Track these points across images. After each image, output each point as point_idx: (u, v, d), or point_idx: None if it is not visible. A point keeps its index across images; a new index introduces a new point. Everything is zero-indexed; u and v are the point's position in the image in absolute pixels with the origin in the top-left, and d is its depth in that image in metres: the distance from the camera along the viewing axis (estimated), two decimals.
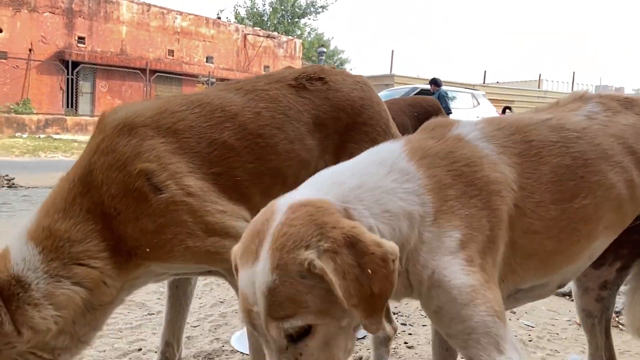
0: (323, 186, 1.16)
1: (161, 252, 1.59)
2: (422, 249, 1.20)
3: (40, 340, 1.46)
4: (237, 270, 1.12)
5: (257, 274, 1.01)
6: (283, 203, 1.10)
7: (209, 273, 1.83)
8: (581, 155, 1.45)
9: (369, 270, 0.97)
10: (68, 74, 21.66)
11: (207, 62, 27.25)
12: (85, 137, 18.45)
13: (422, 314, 2.81)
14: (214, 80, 26.59)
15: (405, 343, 2.58)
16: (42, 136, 17.89)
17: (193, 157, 1.67)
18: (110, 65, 22.82)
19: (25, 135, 17.65)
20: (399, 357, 2.43)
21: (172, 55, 25.58)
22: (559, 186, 1.40)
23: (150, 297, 3.18)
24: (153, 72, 23.70)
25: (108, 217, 1.54)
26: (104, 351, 2.42)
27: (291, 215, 1.05)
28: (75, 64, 21.67)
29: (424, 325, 2.79)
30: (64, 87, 21.98)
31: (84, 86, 22.69)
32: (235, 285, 1.32)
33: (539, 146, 1.43)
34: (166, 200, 1.56)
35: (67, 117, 20.20)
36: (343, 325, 1.07)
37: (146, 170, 1.56)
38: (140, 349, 2.46)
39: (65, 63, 21.72)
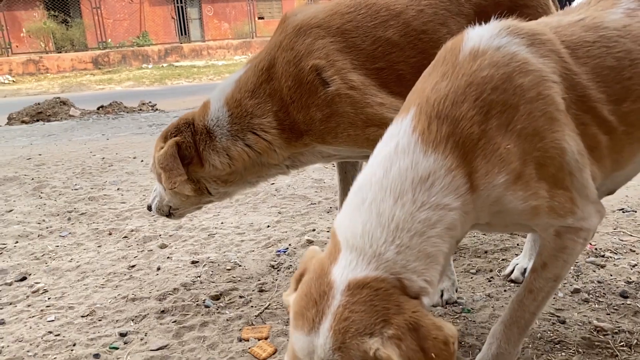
0: (367, 255, 1.10)
1: (327, 137, 1.87)
2: (481, 209, 1.21)
3: (216, 174, 1.97)
4: (292, 319, 1.14)
5: (316, 347, 1.04)
6: (340, 280, 1.08)
7: None
8: (626, 56, 1.33)
9: (432, 355, 1.00)
10: (177, 2, 22.52)
11: None
12: (201, 62, 19.51)
13: None
14: None
15: None
16: (164, 65, 19.23)
17: (358, 55, 1.86)
18: None
19: (150, 66, 19.09)
20: None
21: None
22: (602, 89, 1.30)
23: (309, 190, 3.57)
24: None
25: (284, 103, 1.86)
26: (286, 232, 2.86)
27: (351, 299, 1.04)
28: None
29: None
30: (175, 16, 22.99)
31: (192, 12, 23.54)
32: None
33: (574, 47, 1.32)
34: (332, 93, 1.80)
35: (183, 45, 21.30)
36: None
37: (317, 66, 1.81)
38: (314, 229, 2.86)
39: None
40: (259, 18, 24.32)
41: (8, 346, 1.91)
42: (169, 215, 2.16)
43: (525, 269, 2.14)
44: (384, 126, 1.85)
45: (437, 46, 1.91)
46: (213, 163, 1.94)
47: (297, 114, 1.85)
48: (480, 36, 1.28)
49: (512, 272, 2.17)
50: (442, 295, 2.01)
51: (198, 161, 1.94)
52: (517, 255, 2.32)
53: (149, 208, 2.18)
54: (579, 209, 1.26)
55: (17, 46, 20.70)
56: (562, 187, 1.24)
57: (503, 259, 2.36)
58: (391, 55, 1.84)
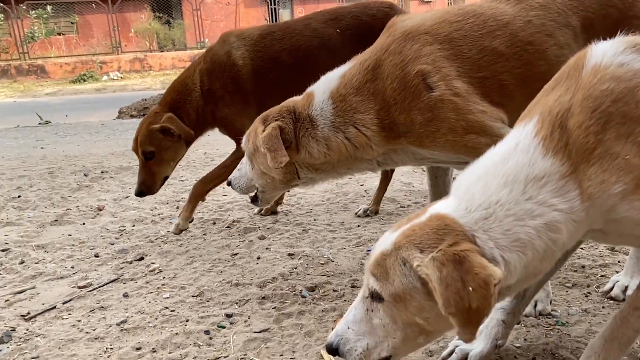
0: (460, 204, 1.26)
1: (425, 140, 1.93)
2: (595, 217, 1.25)
3: (310, 162, 2.08)
4: None
5: (386, 237, 1.29)
6: (432, 209, 1.29)
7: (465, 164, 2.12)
8: None
9: (470, 288, 1.11)
10: (270, 4, 23.34)
11: None
12: None
13: None
14: None
15: None
16: None
17: (464, 63, 1.90)
18: None
19: None
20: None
21: None
22: None
23: (398, 193, 3.64)
24: None
25: (387, 103, 1.94)
26: (376, 232, 2.96)
27: (427, 222, 1.24)
28: None
29: None
30: (268, 17, 23.85)
31: (284, 14, 24.30)
32: None
33: None
34: (435, 98, 1.86)
35: None
36: (418, 321, 1.24)
37: (423, 71, 1.87)
38: None
39: None
40: None
41: (132, 316, 2.18)
42: (254, 199, 2.29)
43: (626, 287, 2.07)
44: (484, 134, 1.91)
45: (543, 58, 1.94)
46: (310, 150, 2.04)
47: (398, 115, 1.93)
48: (604, 53, 1.31)
49: (611, 289, 2.11)
50: (535, 306, 2.01)
51: (295, 147, 2.05)
52: (617, 272, 2.25)
53: (229, 183, 2.31)
54: None
55: (125, 45, 22.54)
56: None
57: (602, 275, 2.29)
58: (496, 65, 1.87)
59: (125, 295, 2.38)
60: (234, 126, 2.90)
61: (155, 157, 2.88)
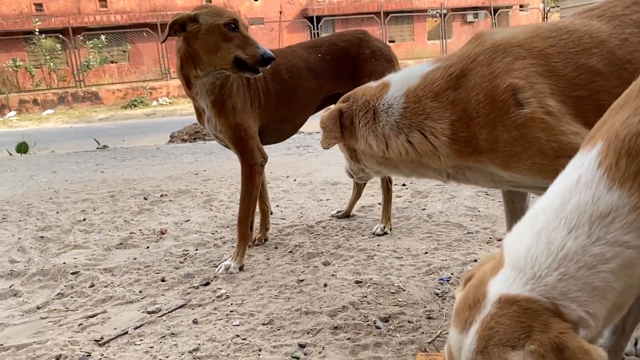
0: (524, 273, 1.11)
1: (509, 161, 1.79)
2: None
3: (370, 153, 2.03)
4: (453, 316, 1.21)
5: (464, 346, 1.12)
6: (493, 292, 1.12)
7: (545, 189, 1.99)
8: None
9: None
10: (313, 29, 23.74)
11: None
12: None
13: None
14: (445, 12, 25.71)
15: None
16: None
17: (558, 80, 1.78)
18: (347, 14, 24.11)
19: None
20: None
21: None
22: None
23: (463, 218, 3.51)
24: (386, 14, 24.19)
25: (467, 115, 1.82)
26: (446, 260, 2.85)
27: (499, 312, 1.08)
28: (318, 19, 23.57)
29: None
30: None
31: None
32: None
33: None
34: (525, 115, 1.72)
35: None
36: None
37: (514, 85, 1.74)
38: (475, 260, 2.80)
39: (310, 19, 23.82)
40: (390, 42, 24.66)
41: (204, 344, 2.15)
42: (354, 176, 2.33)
43: None
44: None
45: None
46: (370, 142, 1.99)
47: (479, 129, 1.81)
48: None
49: None
50: (636, 344, 1.85)
51: (353, 133, 2.02)
52: None
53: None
54: None
55: (174, 72, 23.39)
56: None
57: None
58: (593, 84, 1.75)
59: (195, 322, 2.35)
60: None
61: None
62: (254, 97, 3.07)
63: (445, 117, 1.87)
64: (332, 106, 2.14)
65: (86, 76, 22.82)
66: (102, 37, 23.42)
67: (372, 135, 1.98)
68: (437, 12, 25.34)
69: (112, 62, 24.81)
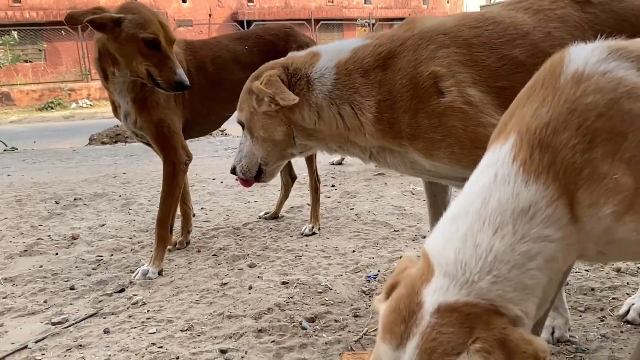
0: (457, 280, 1.09)
1: (429, 149, 1.79)
2: (586, 240, 1.15)
3: (303, 125, 1.96)
4: (380, 331, 1.15)
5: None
6: (430, 302, 1.08)
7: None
8: None
9: None
10: None
11: (365, 3, 27.07)
12: None
13: None
14: (373, 21, 26.40)
15: None
16: None
17: (481, 70, 1.79)
18: (278, 20, 24.06)
19: None
20: None
21: (332, 2, 25.95)
22: None
23: (390, 217, 3.52)
24: (317, 21, 24.42)
25: (392, 97, 1.82)
26: (373, 258, 2.82)
27: (440, 321, 1.05)
28: (249, 23, 23.34)
29: None
30: None
31: None
32: None
33: None
34: (445, 104, 1.73)
35: None
36: None
37: (436, 73, 1.76)
38: (402, 257, 2.80)
39: (240, 23, 23.54)
40: None
41: (115, 355, 1.97)
42: (258, 175, 2.16)
43: None
44: None
45: None
46: (302, 113, 1.94)
47: (402, 113, 1.80)
48: (584, 59, 1.20)
49: (627, 312, 2.02)
50: (552, 332, 1.90)
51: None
52: (628, 294, 2.17)
53: (233, 171, 2.20)
54: None
55: (95, 72, 22.16)
56: None
57: (613, 298, 2.21)
58: (516, 75, 1.77)
59: (106, 332, 2.16)
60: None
61: None
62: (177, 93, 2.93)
63: (372, 95, 1.85)
64: (266, 73, 1.97)
65: None
66: (15, 33, 21.77)
67: (307, 105, 1.92)
68: (365, 22, 25.93)
69: (26, 61, 23.10)
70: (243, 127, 2.14)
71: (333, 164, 5.52)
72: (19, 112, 17.49)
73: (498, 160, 1.17)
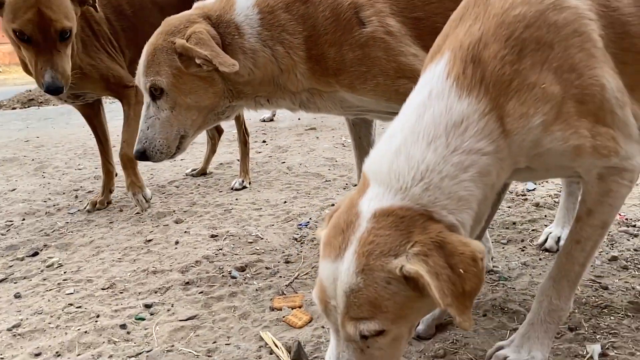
0: (391, 188, 1.10)
1: (355, 82, 1.76)
2: (518, 153, 1.18)
3: (235, 79, 1.78)
4: (321, 251, 1.16)
5: (340, 273, 1.05)
6: (366, 209, 1.10)
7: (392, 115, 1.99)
8: None
9: (460, 270, 1.00)
10: None
11: None
12: None
13: None
14: None
15: None
16: None
17: (398, 1, 1.77)
18: None
19: None
20: None
21: None
22: None
23: (322, 168, 3.48)
24: None
25: (317, 32, 1.74)
26: (304, 207, 2.78)
27: (376, 225, 1.06)
28: None
29: None
30: None
31: None
32: None
33: None
34: (367, 34, 1.71)
35: None
36: (410, 326, 1.14)
37: (356, 3, 1.71)
38: (333, 204, 2.76)
39: None
40: None
41: (27, 319, 1.82)
42: (176, 150, 1.92)
43: (559, 238, 2.09)
44: (415, 79, 1.78)
45: None
46: (237, 61, 1.76)
47: (328, 47, 1.74)
48: None
49: (545, 241, 2.12)
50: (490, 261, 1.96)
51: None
52: (545, 226, 2.27)
53: (141, 156, 1.88)
54: (622, 147, 1.21)
55: (2, 36, 20.23)
56: (603, 125, 1.19)
57: (533, 230, 2.31)
58: (431, 6, 1.75)
59: (17, 296, 1.99)
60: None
61: None
62: (105, 43, 2.79)
63: (298, 32, 1.76)
64: (192, 29, 1.75)
65: None
66: None
67: (241, 52, 1.76)
68: None
69: None
70: (154, 97, 1.81)
71: (264, 121, 5.39)
72: None
73: (433, 78, 1.16)
